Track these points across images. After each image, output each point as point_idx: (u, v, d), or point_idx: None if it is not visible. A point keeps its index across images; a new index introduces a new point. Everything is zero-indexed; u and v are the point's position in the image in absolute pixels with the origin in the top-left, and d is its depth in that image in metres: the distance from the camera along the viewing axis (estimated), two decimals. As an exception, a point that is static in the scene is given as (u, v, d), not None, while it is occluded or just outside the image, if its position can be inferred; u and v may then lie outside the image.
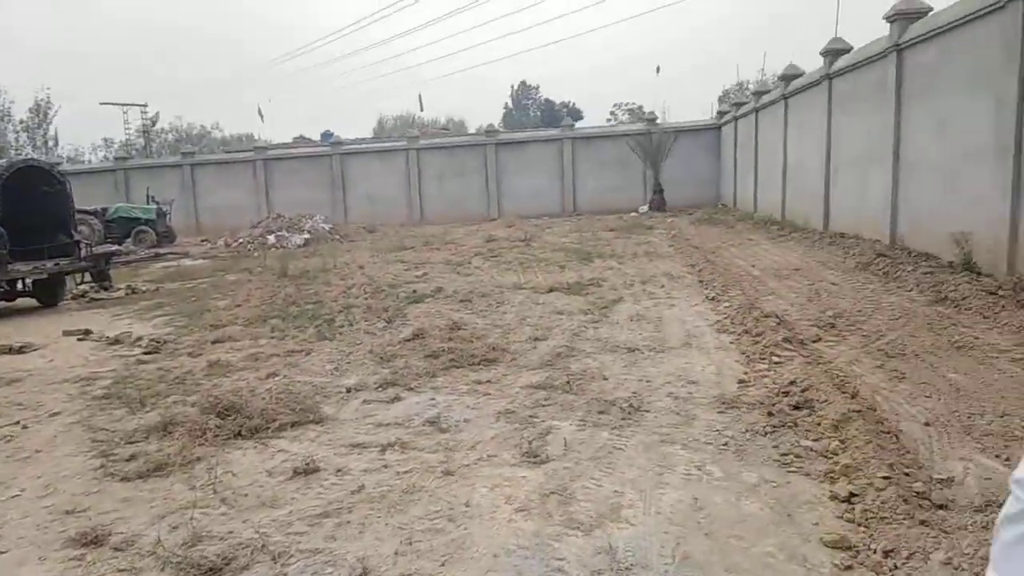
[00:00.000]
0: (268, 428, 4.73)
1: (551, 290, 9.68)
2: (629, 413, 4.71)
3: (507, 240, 16.83)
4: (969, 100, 9.15)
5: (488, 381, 5.65)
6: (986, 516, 3.06)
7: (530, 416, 4.77)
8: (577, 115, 57.99)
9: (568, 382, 5.44)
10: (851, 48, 14.02)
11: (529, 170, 27.63)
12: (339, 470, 4.05)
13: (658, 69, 51.87)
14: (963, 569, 2.69)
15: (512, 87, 68.22)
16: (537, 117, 61.99)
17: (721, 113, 26.89)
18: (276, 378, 5.99)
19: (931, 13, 10.70)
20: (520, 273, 11.55)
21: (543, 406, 4.97)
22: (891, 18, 11.40)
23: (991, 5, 8.59)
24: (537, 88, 68.12)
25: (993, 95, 8.53)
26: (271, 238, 19.48)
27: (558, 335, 7.07)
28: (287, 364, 6.52)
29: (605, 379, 5.53)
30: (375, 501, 3.64)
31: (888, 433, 4.06)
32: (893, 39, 11.31)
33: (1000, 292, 7.28)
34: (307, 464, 4.07)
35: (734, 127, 23.73)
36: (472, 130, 54.62)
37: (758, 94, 21.16)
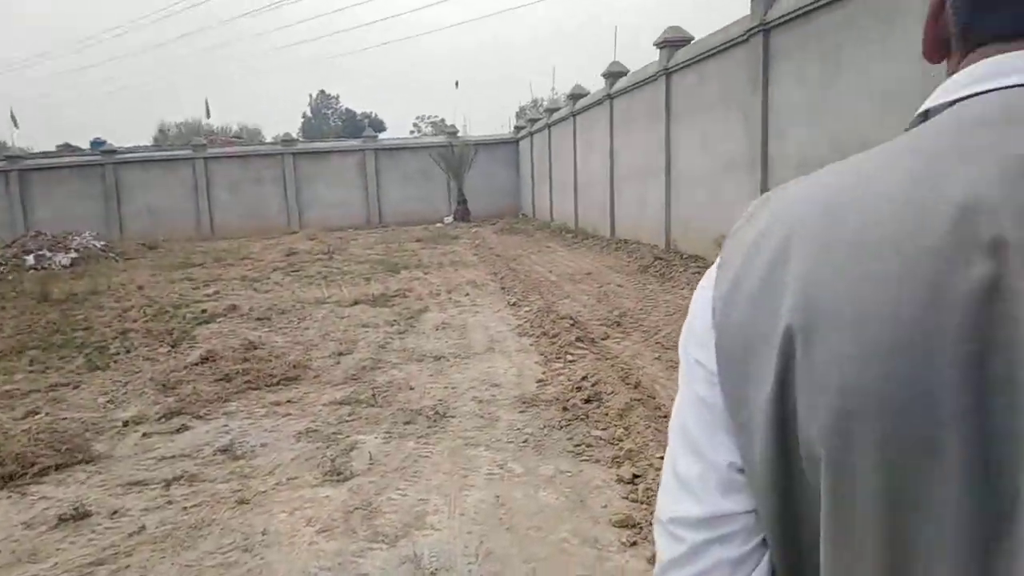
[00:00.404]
0: (26, 474, 4.15)
1: (356, 303, 9.50)
2: (435, 420, 4.76)
3: (309, 253, 16.26)
4: (724, 119, 10.42)
5: (288, 401, 5.42)
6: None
7: (334, 433, 4.64)
8: (379, 126, 57.58)
9: (373, 395, 5.37)
10: (628, 71, 15.35)
11: (332, 181, 26.88)
12: (115, 512, 3.66)
13: (457, 84, 53.09)
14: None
15: (311, 96, 66.25)
16: (338, 127, 60.65)
17: (518, 128, 28.12)
18: (36, 416, 5.28)
19: (693, 41, 12.05)
20: (323, 287, 11.21)
21: (347, 421, 4.86)
22: (661, 44, 12.66)
23: (737, 38, 9.86)
24: (337, 98, 66.73)
25: (743, 114, 9.78)
26: (29, 259, 17.13)
27: (363, 348, 6.96)
28: (50, 400, 5.76)
29: (411, 389, 5.54)
30: (158, 541, 3.33)
31: (665, 417, 4.49)
32: (662, 63, 12.57)
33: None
34: (75, 509, 3.63)
35: (530, 141, 24.94)
36: (269, 139, 52.22)
37: (550, 111, 22.44)
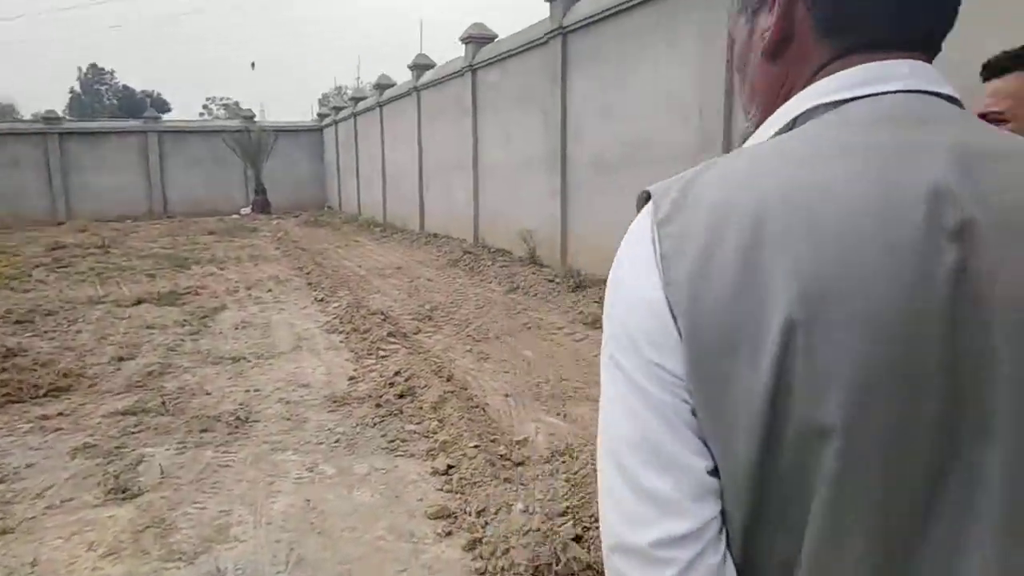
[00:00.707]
0: None
1: (139, 302, 8.62)
2: (236, 427, 4.47)
3: (79, 247, 14.46)
4: (526, 116, 10.83)
5: (59, 414, 4.79)
6: (552, 465, 3.67)
7: (117, 447, 4.18)
8: (163, 106, 52.60)
9: (163, 403, 4.92)
10: (434, 64, 15.41)
11: (107, 166, 24.03)
12: None
13: (253, 65, 50.01)
14: (536, 511, 3.18)
15: (80, 69, 58.76)
16: (113, 105, 54.50)
17: (322, 116, 27.13)
18: None
19: (496, 40, 12.37)
20: (98, 285, 10.04)
21: (133, 434, 4.40)
22: (466, 40, 12.85)
23: (537, 40, 10.29)
24: (112, 73, 59.87)
25: (544, 113, 10.23)
26: None
27: (149, 352, 6.34)
28: None
29: (208, 394, 5.15)
30: None
31: (477, 407, 4.60)
32: (468, 59, 12.77)
33: (556, 280, 8.81)
34: None
35: (335, 130, 24.17)
36: (27, 116, 45.59)
37: (356, 99, 21.90)
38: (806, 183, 0.58)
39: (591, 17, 8.98)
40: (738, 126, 6.72)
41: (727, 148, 6.84)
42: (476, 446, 3.84)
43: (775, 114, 0.69)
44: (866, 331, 0.55)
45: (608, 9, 8.57)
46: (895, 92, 0.62)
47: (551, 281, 8.76)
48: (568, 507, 3.12)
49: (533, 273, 9.26)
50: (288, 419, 4.59)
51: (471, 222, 13.03)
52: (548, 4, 9.98)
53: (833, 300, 0.55)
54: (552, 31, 9.79)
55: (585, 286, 8.33)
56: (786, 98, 0.68)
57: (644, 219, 0.65)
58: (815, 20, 0.65)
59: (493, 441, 4.03)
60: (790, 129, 0.66)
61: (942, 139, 0.59)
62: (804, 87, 0.66)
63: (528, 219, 10.65)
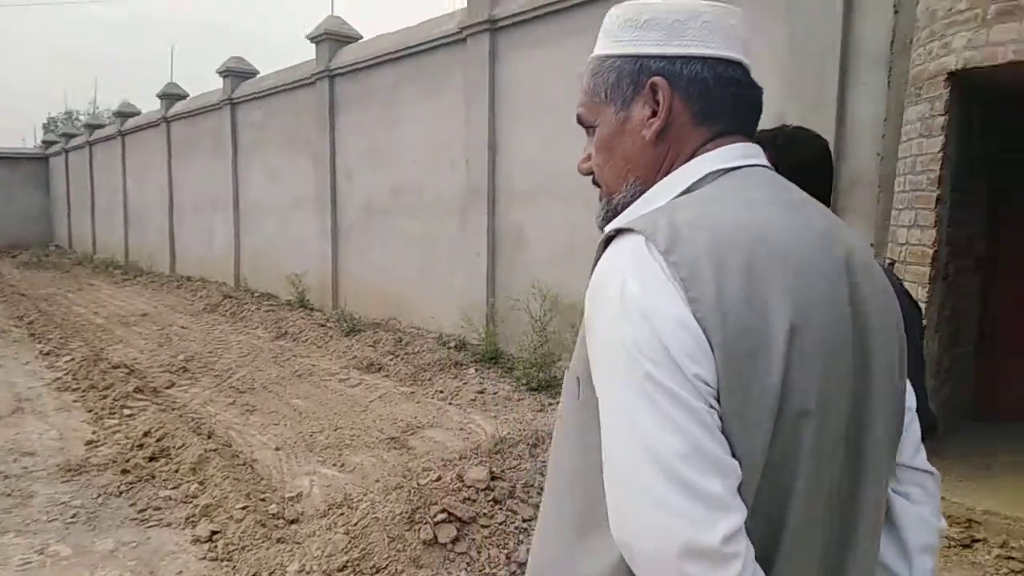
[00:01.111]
0: None
1: None
2: (-67, 511, 3.69)
3: None
4: (294, 156, 10.53)
5: None
6: (329, 519, 3.53)
7: None
8: None
9: None
10: (187, 95, 14.40)
11: None
12: None
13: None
14: (313, 570, 3.04)
15: None
16: None
17: (48, 143, 23.86)
18: None
19: (258, 76, 11.91)
20: None
21: None
22: (224, 73, 12.20)
23: (303, 79, 10.11)
24: None
25: (312, 154, 10.02)
26: None
27: None
28: None
29: None
30: None
31: (244, 465, 4.29)
32: (227, 93, 12.12)
33: (328, 324, 8.57)
34: None
35: (65, 160, 21.37)
36: None
37: (91, 127, 19.63)
38: (759, 222, 0.77)
39: (356, 64, 9.06)
40: (502, 178, 7.17)
41: (492, 195, 7.24)
42: (244, 507, 3.57)
43: (673, 177, 0.87)
44: (826, 335, 0.74)
45: (375, 57, 8.71)
46: (758, 165, 0.87)
47: (323, 325, 8.50)
48: (347, 561, 3.02)
49: (303, 318, 8.93)
50: (9, 495, 3.90)
51: (232, 264, 12.23)
52: (314, 45, 9.89)
53: (810, 310, 0.73)
54: (319, 72, 9.69)
55: (359, 329, 8.21)
56: (667, 171, 0.88)
57: (638, 250, 0.75)
58: (691, 113, 0.86)
59: (263, 499, 3.79)
60: (698, 187, 0.85)
61: (803, 197, 0.85)
62: (687, 160, 0.87)
63: (297, 262, 10.27)
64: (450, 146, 7.73)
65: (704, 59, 0.85)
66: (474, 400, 5.76)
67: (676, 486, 0.68)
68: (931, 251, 3.54)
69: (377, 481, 3.90)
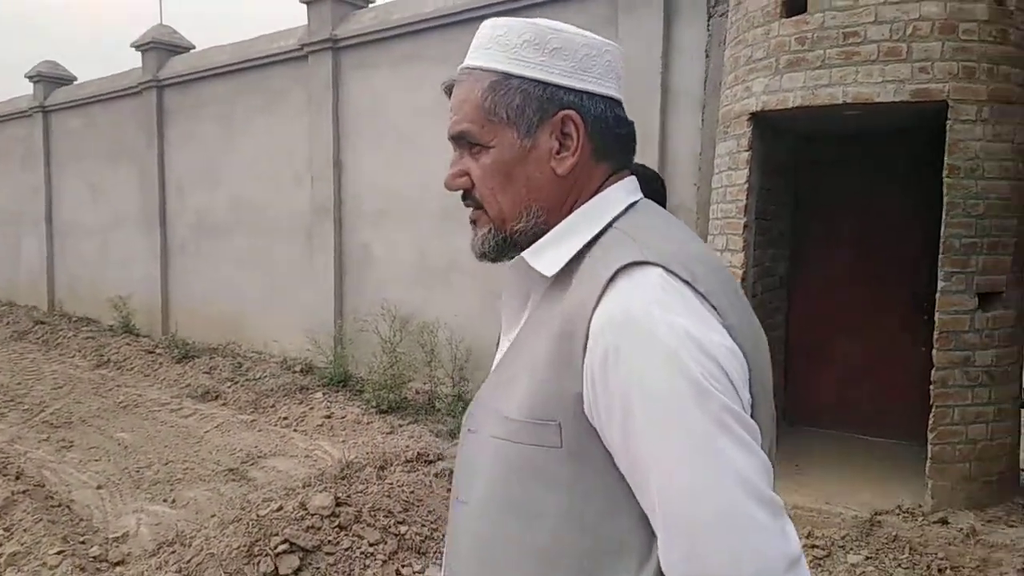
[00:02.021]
0: None
1: None
2: None
3: None
4: (117, 169, 9.75)
5: None
6: (159, 558, 3.31)
7: None
8: None
9: None
10: (-9, 98, 12.91)
11: None
12: None
13: None
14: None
15: None
16: None
17: None
18: None
19: (76, 83, 10.94)
20: None
21: None
22: (34, 78, 11.10)
23: (129, 88, 9.43)
24: None
25: (138, 167, 9.34)
26: None
27: None
28: None
29: None
30: None
31: (59, 506, 3.92)
32: (39, 99, 11.03)
33: (158, 351, 8.00)
34: None
35: None
36: None
37: None
38: (708, 252, 0.86)
39: (187, 75, 8.61)
40: (349, 196, 7.10)
41: (338, 214, 7.14)
42: (60, 551, 3.26)
43: (591, 210, 0.86)
44: (762, 359, 0.81)
45: (209, 69, 8.31)
46: (647, 198, 0.92)
47: (151, 352, 7.91)
48: (181, 600, 2.86)
49: (128, 344, 8.25)
50: None
51: (45, 286, 11.06)
52: (140, 53, 9.26)
53: (751, 334, 0.80)
54: (146, 82, 9.08)
55: (193, 355, 7.72)
56: (572, 204, 0.87)
57: (668, 283, 0.74)
58: (593, 149, 0.86)
59: (83, 542, 3.48)
60: (620, 219, 0.85)
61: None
62: (592, 194, 0.87)
63: (121, 283, 9.48)
64: (294, 162, 7.54)
65: (606, 99, 0.87)
66: (321, 425, 5.62)
67: (767, 507, 0.69)
68: (741, 272, 3.96)
69: (213, 516, 3.72)
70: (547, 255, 0.84)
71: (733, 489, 0.68)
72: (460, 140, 0.88)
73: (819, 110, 3.72)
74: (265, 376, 6.92)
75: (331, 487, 3.36)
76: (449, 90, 0.91)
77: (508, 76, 0.85)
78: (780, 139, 4.42)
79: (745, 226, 4.00)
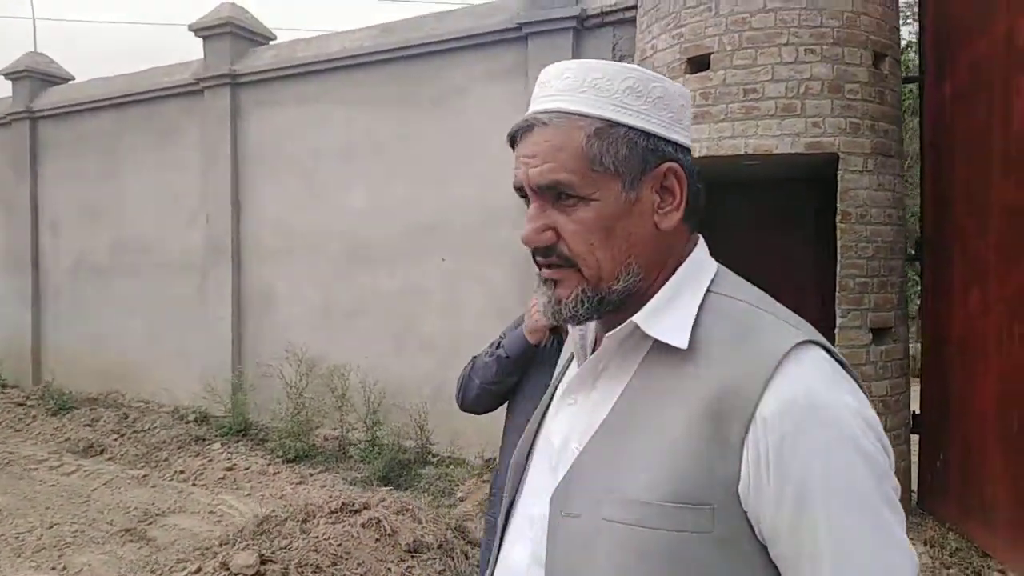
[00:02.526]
0: None
1: None
2: None
3: None
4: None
5: None
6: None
7: None
8: None
9: None
10: None
11: None
12: None
13: None
14: None
15: None
16: None
17: None
18: None
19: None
20: None
21: None
22: None
23: (-4, 120, 8.70)
24: None
25: (6, 204, 8.58)
26: None
27: None
28: None
29: None
30: None
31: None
32: None
33: (29, 403, 7.29)
34: None
35: None
36: None
37: None
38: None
39: (66, 107, 8.08)
40: (248, 236, 6.83)
41: (237, 254, 6.85)
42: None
43: (688, 272, 0.83)
44: None
45: (91, 101, 7.83)
46: None
47: (21, 404, 7.19)
48: None
49: (-8, 397, 7.47)
50: None
51: None
52: (11, 82, 8.59)
53: None
54: (17, 113, 8.41)
55: (71, 407, 7.07)
56: (665, 263, 0.83)
57: (833, 365, 0.74)
58: (684, 206, 0.82)
59: (-41, 626, 3.09)
60: (715, 283, 0.82)
61: None
62: (685, 254, 0.84)
63: (-18, 332, 8.59)
64: (185, 201, 7.19)
65: (689, 152, 0.84)
66: (222, 478, 5.30)
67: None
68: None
69: (114, 583, 3.42)
70: (665, 323, 0.78)
71: (903, 569, 0.70)
72: (547, 191, 0.80)
73: (723, 160, 3.99)
74: (155, 427, 6.45)
75: (252, 544, 3.17)
76: (514, 137, 0.83)
77: (613, 124, 0.79)
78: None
79: (659, 267, 4.20)
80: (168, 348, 7.30)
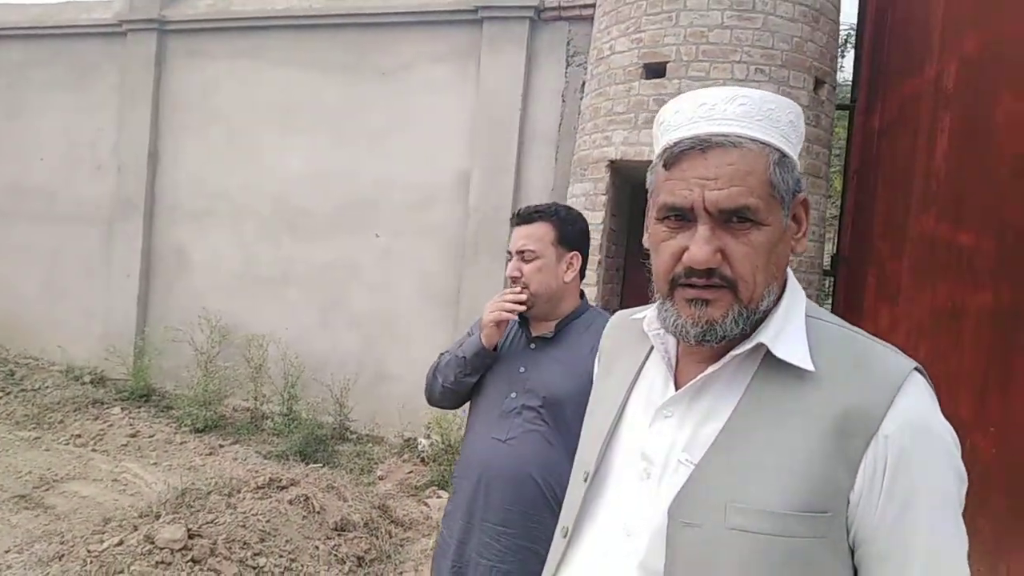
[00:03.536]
0: None
1: None
2: None
3: None
4: None
5: None
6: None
7: None
8: None
9: None
10: None
11: None
12: None
13: None
14: None
15: None
16: None
17: None
18: None
19: None
20: None
21: None
22: None
23: None
24: None
25: None
26: None
27: None
28: None
29: None
30: None
31: None
32: None
33: None
34: None
35: None
36: None
37: None
38: None
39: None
40: (165, 191, 6.47)
41: (150, 209, 6.48)
42: None
43: (794, 296, 0.89)
44: None
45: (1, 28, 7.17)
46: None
47: None
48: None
49: None
50: None
51: None
52: None
53: None
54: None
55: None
56: (783, 284, 0.89)
57: (931, 389, 0.82)
58: None
59: None
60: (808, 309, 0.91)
61: None
62: (786, 278, 0.91)
63: None
64: (97, 147, 6.72)
65: None
66: (125, 445, 5.03)
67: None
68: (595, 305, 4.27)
69: (9, 551, 3.20)
70: (790, 346, 0.84)
71: (964, 563, 0.79)
72: (727, 214, 0.81)
73: (670, 165, 4.13)
74: (48, 387, 6.04)
75: (176, 517, 3.04)
76: (686, 150, 0.84)
77: (786, 156, 0.84)
78: (624, 185, 4.84)
79: (599, 263, 4.32)
80: (66, 304, 6.83)
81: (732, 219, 0.82)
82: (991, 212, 3.05)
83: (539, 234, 1.82)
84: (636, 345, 1.01)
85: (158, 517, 3.04)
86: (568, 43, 5.17)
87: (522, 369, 1.82)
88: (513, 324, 1.91)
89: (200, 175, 6.35)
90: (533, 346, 1.85)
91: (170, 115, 6.49)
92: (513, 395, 1.80)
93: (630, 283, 5.31)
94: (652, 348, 0.97)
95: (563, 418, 1.73)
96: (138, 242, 6.48)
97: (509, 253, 1.87)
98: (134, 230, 6.50)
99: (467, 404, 1.98)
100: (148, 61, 6.46)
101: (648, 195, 0.92)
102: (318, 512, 3.41)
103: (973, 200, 3.21)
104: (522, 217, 1.87)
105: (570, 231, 1.86)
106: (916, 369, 0.81)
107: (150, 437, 5.23)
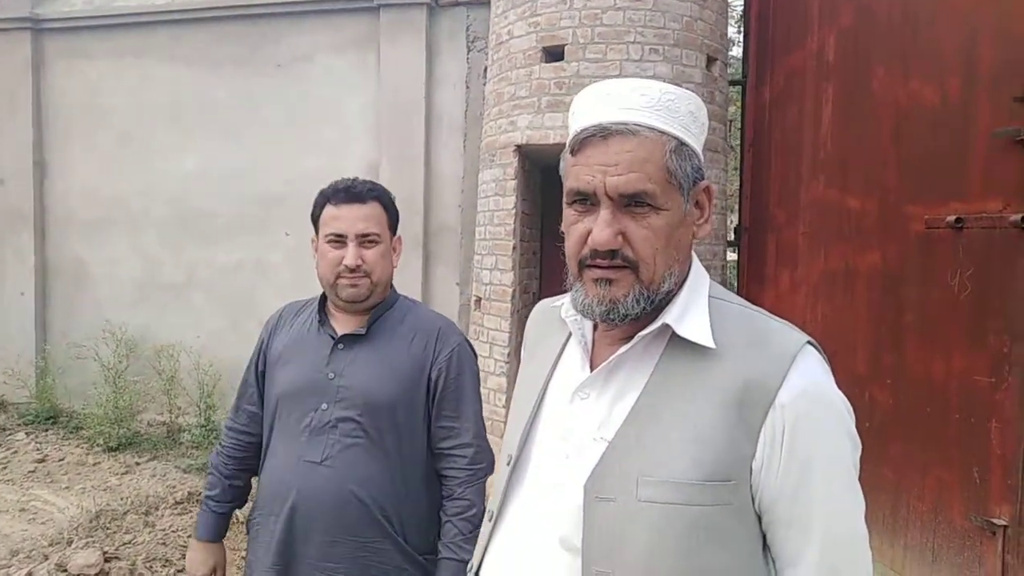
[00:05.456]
0: None
1: None
2: None
3: None
4: None
5: None
6: None
7: None
8: None
9: None
10: None
11: None
12: None
13: None
14: None
15: None
16: None
17: None
18: None
19: None
20: None
21: None
22: None
23: None
24: None
25: None
26: None
27: None
28: None
29: None
30: None
31: None
32: None
33: None
34: None
35: None
36: None
37: None
38: None
39: None
40: (56, 202, 6.11)
41: (41, 220, 6.11)
42: None
43: (698, 276, 0.94)
44: None
45: None
46: None
47: None
48: None
49: None
50: None
51: None
52: None
53: None
54: None
55: None
56: (685, 268, 0.93)
57: (823, 359, 0.88)
58: None
59: None
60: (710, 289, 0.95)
61: None
62: (691, 261, 0.95)
63: None
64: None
65: None
66: (33, 472, 4.76)
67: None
68: (510, 290, 4.30)
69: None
70: (692, 326, 0.88)
71: (862, 523, 0.86)
72: (626, 199, 0.85)
73: (575, 147, 4.19)
74: (-61, 418, 5.64)
75: (91, 541, 2.92)
76: (589, 137, 0.87)
77: (684, 144, 0.87)
78: (534, 169, 4.89)
79: (513, 248, 4.35)
80: (-48, 328, 6.37)
81: (632, 203, 0.85)
82: (874, 177, 3.25)
83: (376, 215, 1.63)
84: (556, 332, 1.05)
85: (70, 543, 2.91)
86: (468, 28, 5.15)
87: (331, 375, 1.57)
88: (308, 319, 1.69)
89: (92, 182, 6.02)
90: (341, 346, 1.60)
91: (54, 121, 6.12)
92: (324, 407, 1.55)
93: (547, 266, 5.39)
94: (571, 334, 1.01)
95: (388, 426, 1.53)
96: (30, 256, 6.10)
97: (338, 236, 1.61)
98: (25, 245, 6.11)
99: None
100: (24, 64, 6.05)
101: (562, 180, 0.95)
102: (241, 523, 3.33)
103: (857, 166, 3.41)
104: (354, 195, 1.62)
105: (395, 213, 1.70)
106: (809, 343, 0.87)
107: (60, 461, 4.97)
